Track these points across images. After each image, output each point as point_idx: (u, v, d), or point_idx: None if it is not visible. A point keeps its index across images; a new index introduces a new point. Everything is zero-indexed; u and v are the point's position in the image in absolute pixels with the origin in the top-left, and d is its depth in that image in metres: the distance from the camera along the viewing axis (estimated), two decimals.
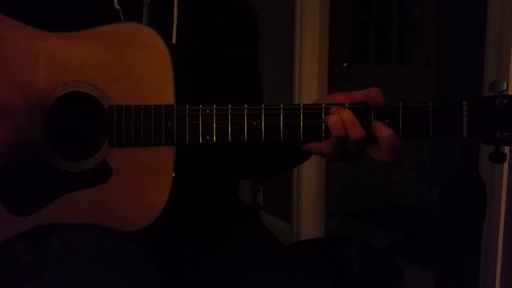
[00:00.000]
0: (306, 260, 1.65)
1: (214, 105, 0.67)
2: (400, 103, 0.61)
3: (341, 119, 0.64)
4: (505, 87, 0.58)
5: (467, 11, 1.93)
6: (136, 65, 0.70)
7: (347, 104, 0.66)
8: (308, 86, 2.40)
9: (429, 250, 2.05)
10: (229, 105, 0.67)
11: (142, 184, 0.70)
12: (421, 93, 3.42)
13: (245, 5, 0.93)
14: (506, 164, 1.47)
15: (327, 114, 0.66)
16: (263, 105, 0.66)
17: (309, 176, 2.39)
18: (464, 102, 0.60)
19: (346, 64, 3.15)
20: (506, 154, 0.60)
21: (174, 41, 0.81)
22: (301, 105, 0.67)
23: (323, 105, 0.67)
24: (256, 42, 0.95)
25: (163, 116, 0.68)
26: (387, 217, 3.05)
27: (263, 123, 0.66)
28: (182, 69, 0.73)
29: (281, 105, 0.66)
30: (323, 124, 0.66)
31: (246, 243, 0.77)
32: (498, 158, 0.60)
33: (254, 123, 0.66)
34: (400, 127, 0.64)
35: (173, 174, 0.69)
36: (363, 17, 3.35)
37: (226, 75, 0.87)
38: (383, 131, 0.63)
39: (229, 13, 0.88)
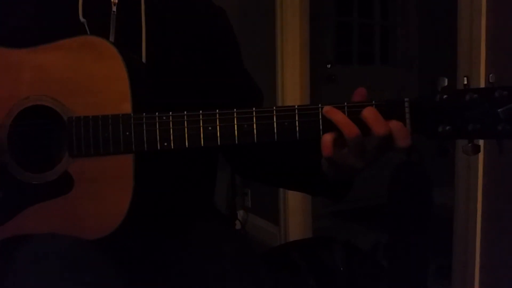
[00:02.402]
0: (290, 262, 1.65)
1: (171, 112, 0.69)
2: (345, 103, 0.62)
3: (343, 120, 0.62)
4: (446, 83, 0.60)
5: (448, 12, 1.96)
6: (94, 77, 0.72)
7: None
8: (291, 88, 2.42)
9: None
10: (185, 112, 0.68)
11: (103, 192, 0.71)
12: (404, 94, 3.42)
13: (213, 7, 0.93)
14: (481, 159, 1.49)
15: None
16: (217, 110, 0.67)
17: None
18: (406, 99, 0.62)
19: (329, 65, 3.17)
20: (449, 148, 0.61)
21: (144, 53, 0.81)
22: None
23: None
24: (232, 40, 0.94)
25: (121, 125, 0.69)
26: (374, 216, 3.06)
27: (218, 126, 0.67)
28: (148, 84, 0.74)
29: (235, 109, 0.67)
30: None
31: (212, 250, 0.77)
32: (443, 151, 0.62)
33: (210, 128, 0.67)
34: None
35: (134, 181, 0.70)
36: (346, 19, 3.37)
37: (215, 82, 0.87)
38: (392, 125, 0.61)
39: (199, 17, 0.89)
